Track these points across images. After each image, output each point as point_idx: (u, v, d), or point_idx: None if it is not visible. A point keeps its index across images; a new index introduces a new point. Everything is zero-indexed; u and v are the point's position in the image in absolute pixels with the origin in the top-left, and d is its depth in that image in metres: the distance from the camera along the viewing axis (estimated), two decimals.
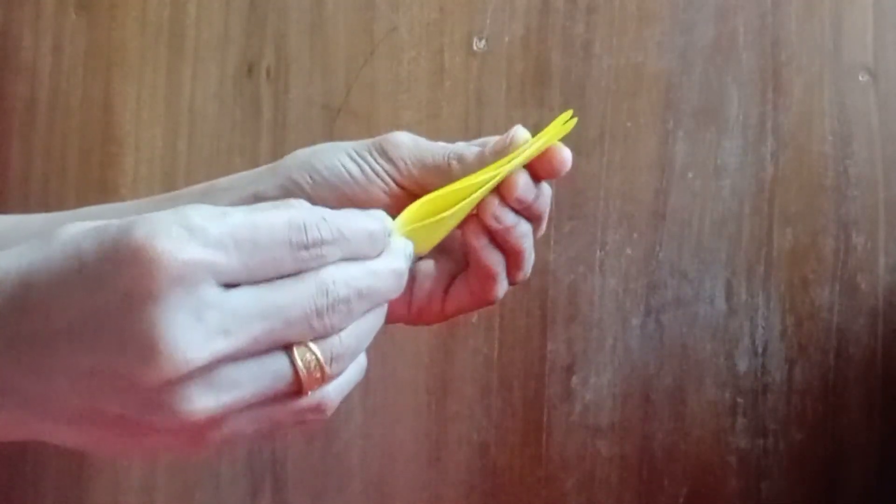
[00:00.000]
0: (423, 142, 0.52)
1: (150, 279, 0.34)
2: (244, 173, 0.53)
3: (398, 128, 0.90)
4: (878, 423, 0.87)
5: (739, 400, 0.88)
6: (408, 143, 0.52)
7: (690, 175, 0.89)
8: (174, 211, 0.35)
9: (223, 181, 0.53)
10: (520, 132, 0.51)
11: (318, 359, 0.38)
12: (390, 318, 0.44)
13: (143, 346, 0.34)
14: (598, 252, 0.89)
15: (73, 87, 0.92)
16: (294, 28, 0.91)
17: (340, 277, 0.38)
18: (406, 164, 0.51)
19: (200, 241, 0.35)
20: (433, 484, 0.89)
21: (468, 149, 0.52)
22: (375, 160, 0.51)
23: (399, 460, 0.89)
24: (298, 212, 0.37)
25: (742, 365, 0.88)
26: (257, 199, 0.50)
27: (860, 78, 0.88)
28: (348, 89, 0.90)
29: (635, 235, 0.89)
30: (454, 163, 0.51)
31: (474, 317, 0.89)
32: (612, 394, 0.89)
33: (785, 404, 0.88)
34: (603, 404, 0.89)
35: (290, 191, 0.50)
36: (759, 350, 0.88)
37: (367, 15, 0.91)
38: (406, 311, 0.53)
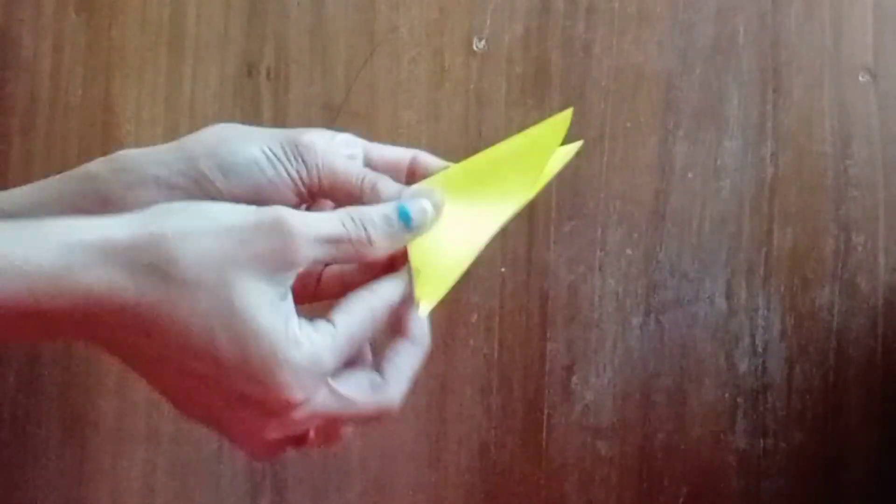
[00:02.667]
0: (338, 155, 0.51)
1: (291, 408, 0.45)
2: (148, 152, 0.51)
3: (398, 128, 0.90)
4: (878, 423, 0.87)
5: (739, 400, 0.88)
6: (323, 150, 0.51)
7: (690, 175, 0.89)
8: (312, 361, 0.45)
9: (126, 160, 0.51)
10: (426, 159, 0.53)
11: None
12: None
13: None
14: (598, 252, 0.89)
15: (73, 87, 0.92)
16: (294, 28, 0.91)
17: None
18: (318, 172, 0.51)
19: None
20: (433, 484, 0.89)
21: (383, 182, 0.51)
22: (290, 161, 0.50)
23: (399, 460, 0.89)
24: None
25: (742, 365, 0.88)
26: (159, 185, 0.50)
27: (860, 78, 0.88)
28: (348, 89, 0.90)
29: (635, 235, 0.89)
30: (367, 191, 0.51)
31: (474, 317, 0.89)
32: (612, 394, 0.89)
33: (785, 404, 0.88)
34: (603, 404, 0.89)
35: (197, 182, 0.50)
36: (759, 350, 0.88)
37: (367, 15, 0.91)
38: None
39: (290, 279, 0.45)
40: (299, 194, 0.51)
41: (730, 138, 0.88)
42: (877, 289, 0.88)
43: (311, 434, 0.48)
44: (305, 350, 0.44)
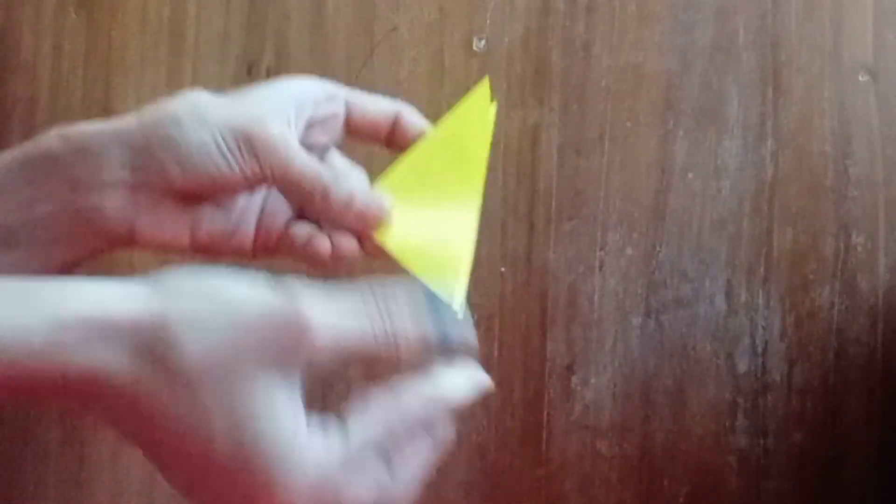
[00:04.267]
0: (293, 153, 0.50)
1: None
2: (105, 129, 0.49)
3: None
4: (878, 423, 0.87)
5: (739, 400, 0.88)
6: (278, 149, 0.49)
7: (690, 175, 0.89)
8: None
9: (84, 139, 0.49)
10: (411, 118, 0.54)
11: None
12: (228, 253, 0.52)
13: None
14: (598, 252, 0.89)
15: (73, 87, 0.92)
16: (294, 28, 0.91)
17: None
18: (272, 170, 0.49)
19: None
20: (433, 484, 0.89)
21: (335, 188, 0.50)
22: (244, 156, 0.49)
23: None
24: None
25: (742, 365, 0.88)
26: (123, 165, 0.48)
27: (860, 78, 0.88)
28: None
29: (635, 235, 0.89)
30: (317, 198, 0.50)
31: (474, 317, 0.89)
32: (612, 394, 0.89)
33: (785, 404, 0.88)
34: (603, 404, 0.89)
35: (156, 170, 0.48)
36: (759, 350, 0.88)
37: (367, 15, 0.91)
38: (249, 248, 0.54)
39: (299, 373, 0.42)
40: (251, 185, 0.50)
41: (730, 138, 0.88)
42: (877, 289, 0.88)
43: None
44: (311, 472, 0.41)
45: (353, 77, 0.90)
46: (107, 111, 0.91)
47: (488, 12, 0.90)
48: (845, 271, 0.88)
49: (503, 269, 0.89)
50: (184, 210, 0.51)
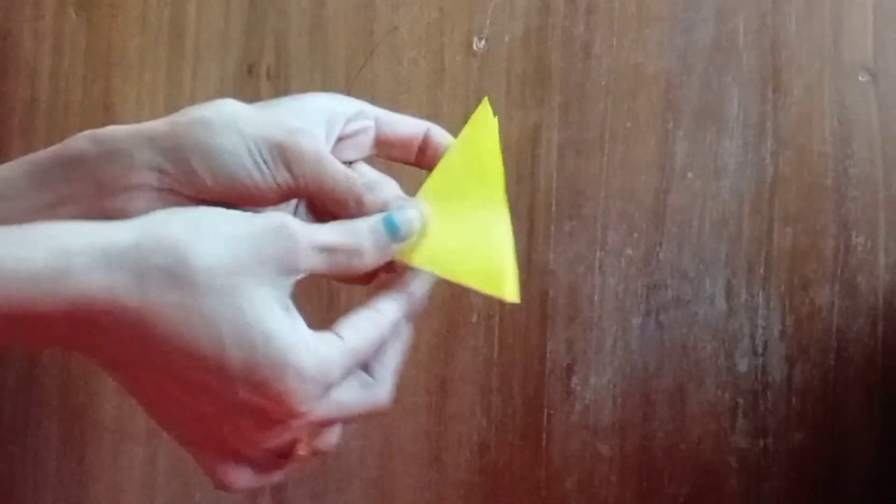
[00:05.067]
0: (328, 164, 0.50)
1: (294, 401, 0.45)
2: (135, 132, 0.49)
3: None
4: (878, 423, 0.87)
5: (739, 400, 0.88)
6: (311, 160, 0.49)
7: (690, 175, 0.89)
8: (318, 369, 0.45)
9: (115, 141, 0.49)
10: (439, 135, 0.54)
11: None
12: None
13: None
14: (598, 252, 0.89)
15: (73, 87, 0.92)
16: (294, 28, 0.91)
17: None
18: (305, 181, 0.49)
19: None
20: (433, 484, 0.89)
21: (370, 195, 0.50)
22: (277, 168, 0.49)
23: (399, 460, 0.89)
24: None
25: (742, 365, 0.88)
26: (152, 169, 0.48)
27: (860, 78, 0.88)
28: (348, 89, 0.90)
29: (635, 235, 0.89)
30: (352, 205, 0.50)
31: (474, 317, 0.89)
32: (612, 394, 0.89)
33: (785, 404, 0.88)
34: (603, 404, 0.89)
35: (186, 173, 0.48)
36: (759, 350, 0.88)
37: (367, 15, 0.91)
38: None
39: (291, 287, 0.45)
40: (284, 197, 0.50)
41: (730, 138, 0.88)
42: (877, 289, 0.88)
43: (299, 449, 0.48)
44: (315, 360, 0.44)
45: (353, 77, 0.90)
46: (107, 111, 0.91)
47: (488, 12, 0.90)
48: (845, 271, 0.88)
49: None
50: None
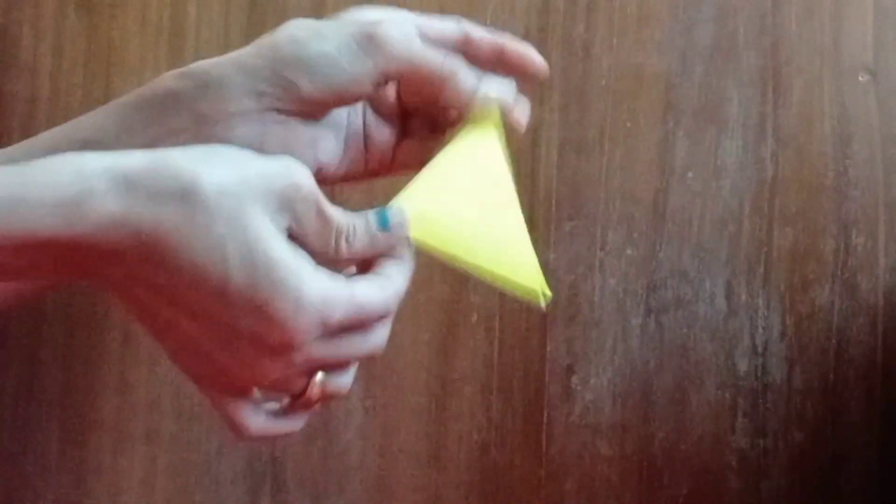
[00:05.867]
0: (415, 42, 0.52)
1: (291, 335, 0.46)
2: (224, 62, 0.52)
3: None
4: (878, 423, 0.87)
5: (739, 400, 0.88)
6: (400, 40, 0.51)
7: (690, 175, 0.89)
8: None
9: (208, 75, 0.51)
10: (517, 48, 0.56)
11: None
12: (346, 177, 0.57)
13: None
14: (598, 252, 0.89)
15: (73, 87, 0.92)
16: None
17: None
18: (396, 61, 0.51)
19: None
20: (433, 484, 0.89)
21: (463, 72, 0.52)
22: (368, 55, 0.51)
23: (399, 460, 0.89)
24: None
25: (742, 365, 0.88)
26: (248, 94, 0.50)
27: (860, 78, 0.88)
28: None
29: (635, 235, 0.89)
30: (448, 80, 0.52)
31: (474, 317, 0.89)
32: (612, 394, 0.89)
33: (785, 404, 0.88)
34: (603, 404, 0.89)
35: (283, 87, 0.50)
36: (759, 350, 0.88)
37: None
38: (362, 167, 0.58)
39: (287, 224, 0.46)
40: (379, 85, 0.52)
41: (730, 138, 0.88)
42: (877, 289, 0.88)
43: (312, 391, 0.49)
44: (317, 290, 0.45)
45: None
46: None
47: (488, 12, 0.90)
48: (845, 271, 0.88)
49: None
50: (306, 130, 0.53)
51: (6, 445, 0.91)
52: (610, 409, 0.88)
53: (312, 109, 0.52)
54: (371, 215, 0.49)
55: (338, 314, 0.46)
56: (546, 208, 0.88)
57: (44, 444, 0.91)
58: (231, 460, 0.90)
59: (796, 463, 0.88)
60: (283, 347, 0.46)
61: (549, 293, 0.51)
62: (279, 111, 0.51)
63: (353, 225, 0.49)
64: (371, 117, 0.57)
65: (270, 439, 0.52)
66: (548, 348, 0.89)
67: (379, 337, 0.49)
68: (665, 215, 0.88)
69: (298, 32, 0.51)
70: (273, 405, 0.51)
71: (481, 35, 0.58)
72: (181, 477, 0.90)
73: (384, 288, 0.48)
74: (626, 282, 0.88)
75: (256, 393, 0.49)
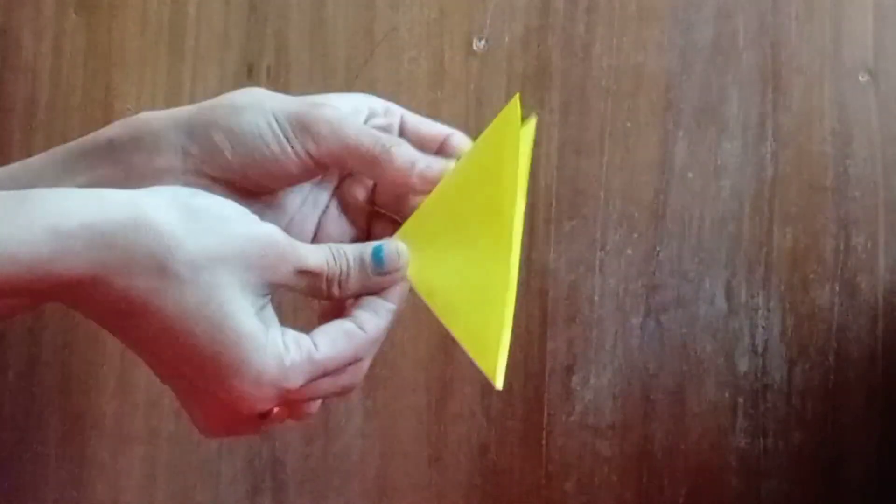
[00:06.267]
0: (347, 123, 0.50)
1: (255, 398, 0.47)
2: (164, 116, 0.51)
3: None
4: (878, 423, 0.87)
5: (739, 400, 0.88)
6: (331, 123, 0.50)
7: (690, 175, 0.89)
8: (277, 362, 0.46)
9: (145, 126, 0.51)
10: (461, 141, 0.53)
11: None
12: None
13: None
14: (598, 252, 0.89)
15: (73, 87, 0.92)
16: (294, 28, 0.91)
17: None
18: (327, 145, 0.50)
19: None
20: (433, 484, 0.89)
21: (399, 148, 0.50)
22: (295, 136, 0.49)
23: (399, 460, 0.89)
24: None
25: (742, 365, 0.88)
26: (176, 151, 0.50)
27: (860, 78, 0.88)
28: (348, 89, 0.90)
29: (635, 235, 0.89)
30: (382, 158, 0.50)
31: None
32: (612, 394, 0.89)
33: (785, 404, 0.88)
34: (603, 404, 0.89)
35: (210, 152, 0.50)
36: (759, 350, 0.88)
37: (367, 15, 0.91)
38: None
39: (271, 295, 0.47)
40: (306, 169, 0.50)
41: (730, 138, 0.88)
42: (877, 289, 0.88)
43: (274, 415, 0.49)
44: (278, 366, 0.46)
45: (353, 77, 0.90)
46: (107, 111, 0.91)
47: (488, 12, 0.90)
48: (845, 271, 0.88)
49: None
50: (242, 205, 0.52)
51: (7, 445, 0.91)
52: (610, 409, 0.89)
53: (246, 185, 0.50)
54: (368, 253, 0.49)
55: (299, 381, 0.46)
56: (546, 208, 0.88)
57: (44, 444, 0.91)
58: (231, 460, 0.90)
59: (796, 463, 0.88)
60: (245, 413, 0.47)
61: (500, 379, 0.50)
62: (206, 176, 0.50)
63: (345, 268, 0.48)
64: (334, 213, 0.55)
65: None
66: (548, 348, 0.89)
67: (348, 378, 0.49)
68: (665, 215, 0.88)
69: (241, 99, 0.50)
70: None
71: (463, 143, 0.55)
72: (181, 477, 0.90)
73: (352, 338, 0.48)
74: (626, 282, 0.89)
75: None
